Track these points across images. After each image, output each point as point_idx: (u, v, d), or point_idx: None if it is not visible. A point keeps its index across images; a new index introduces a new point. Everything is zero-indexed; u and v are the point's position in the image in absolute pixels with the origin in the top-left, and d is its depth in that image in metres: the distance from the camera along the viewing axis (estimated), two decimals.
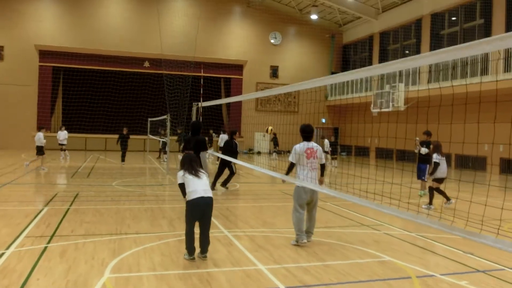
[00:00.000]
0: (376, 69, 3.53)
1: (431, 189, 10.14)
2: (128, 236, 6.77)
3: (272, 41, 30.38)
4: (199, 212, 5.56)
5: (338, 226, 8.06)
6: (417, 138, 12.06)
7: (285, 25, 30.56)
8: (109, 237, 6.68)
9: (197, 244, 5.70)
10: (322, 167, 7.04)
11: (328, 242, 6.87)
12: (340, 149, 29.73)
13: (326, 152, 22.59)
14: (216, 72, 29.09)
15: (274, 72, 29.79)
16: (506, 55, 17.48)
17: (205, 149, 8.34)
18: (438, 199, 10.66)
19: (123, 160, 18.66)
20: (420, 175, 12.13)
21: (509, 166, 18.76)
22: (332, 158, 20.89)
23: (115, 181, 13.27)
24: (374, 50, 28.33)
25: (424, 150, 11.83)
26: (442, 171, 10.01)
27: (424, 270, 5.59)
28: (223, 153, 11.65)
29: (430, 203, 10.10)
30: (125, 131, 18.96)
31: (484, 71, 18.46)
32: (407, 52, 25.78)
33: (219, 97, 28.17)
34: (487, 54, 18.42)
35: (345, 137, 30.29)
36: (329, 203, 10.19)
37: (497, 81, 16.95)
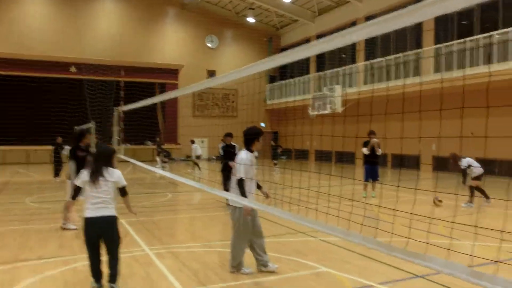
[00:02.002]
0: (316, 47, 2.87)
1: (473, 188, 10.26)
2: (27, 264, 5.75)
3: (208, 44, 29.64)
4: (92, 233, 4.51)
5: (273, 235, 7.43)
6: (376, 140, 11.48)
7: (222, 28, 29.94)
8: (1, 267, 5.61)
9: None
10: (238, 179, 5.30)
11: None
12: (281, 153, 29.49)
13: (197, 157, 19.98)
14: (149, 77, 27.77)
15: (212, 76, 29.01)
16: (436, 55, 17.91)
17: (71, 158, 7.57)
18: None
19: (57, 174, 15.81)
20: (369, 177, 11.65)
21: (441, 164, 19.19)
22: (274, 164, 20.32)
23: (30, 197, 11.89)
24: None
25: (365, 150, 11.46)
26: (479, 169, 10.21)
27: (362, 279, 5.14)
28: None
29: (471, 201, 10.23)
30: (59, 140, 16.22)
31: (416, 72, 18.83)
32: (343, 56, 26.01)
33: (153, 103, 26.98)
34: (418, 55, 18.81)
35: (285, 141, 30.13)
36: None
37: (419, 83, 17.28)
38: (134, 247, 6.61)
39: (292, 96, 27.34)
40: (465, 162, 10.22)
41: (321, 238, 7.17)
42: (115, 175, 4.65)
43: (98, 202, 4.49)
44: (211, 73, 28.89)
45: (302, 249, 6.52)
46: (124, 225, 8.31)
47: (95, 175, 4.54)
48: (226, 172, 9.11)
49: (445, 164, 18.94)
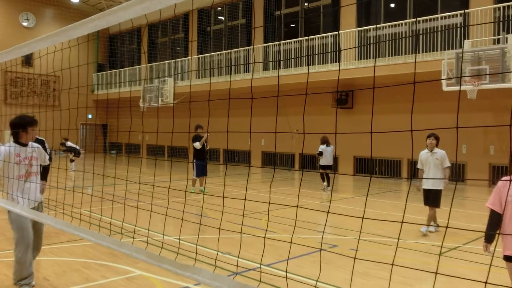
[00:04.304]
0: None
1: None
2: None
3: (24, 23, 25.98)
4: None
5: (80, 239, 6.51)
6: (208, 134, 11.07)
7: (40, 6, 26.49)
8: None
9: None
10: None
11: (65, 261, 5.36)
12: (110, 147, 27.73)
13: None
14: None
15: (28, 59, 25.46)
16: (264, 57, 18.76)
17: None
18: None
19: None
20: (200, 172, 11.24)
21: (268, 158, 20.28)
22: (71, 160, 17.94)
23: None
24: (143, 42, 27.22)
25: (198, 145, 11.04)
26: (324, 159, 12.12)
27: (179, 282, 4.72)
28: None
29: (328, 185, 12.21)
30: None
31: (247, 69, 19.49)
32: (178, 48, 25.54)
33: None
34: (249, 54, 19.46)
35: (114, 134, 28.38)
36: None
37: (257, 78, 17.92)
38: None
39: (122, 87, 25.82)
40: (321, 148, 12.01)
41: (140, 239, 6.54)
42: None
43: None
44: (27, 56, 25.37)
45: (115, 251, 5.80)
46: None
47: None
48: None
49: (273, 159, 20.05)
